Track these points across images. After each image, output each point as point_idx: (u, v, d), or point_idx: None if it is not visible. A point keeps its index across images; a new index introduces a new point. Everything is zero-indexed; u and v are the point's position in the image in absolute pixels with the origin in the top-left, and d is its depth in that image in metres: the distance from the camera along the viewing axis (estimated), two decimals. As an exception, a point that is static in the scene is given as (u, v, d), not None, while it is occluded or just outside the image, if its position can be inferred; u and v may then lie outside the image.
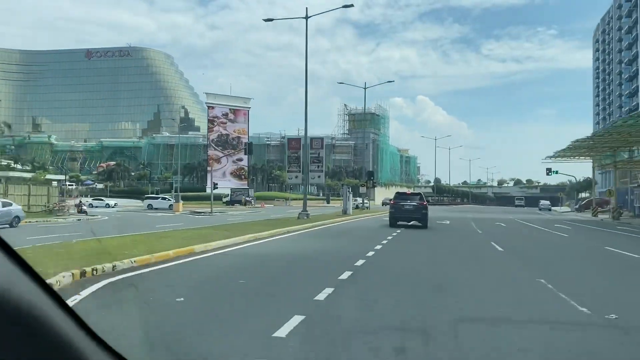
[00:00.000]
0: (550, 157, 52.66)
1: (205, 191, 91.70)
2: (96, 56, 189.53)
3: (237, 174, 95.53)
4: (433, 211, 45.75)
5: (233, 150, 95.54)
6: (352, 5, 29.25)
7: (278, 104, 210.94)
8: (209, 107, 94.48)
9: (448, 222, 30.35)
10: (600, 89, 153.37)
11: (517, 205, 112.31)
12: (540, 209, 71.69)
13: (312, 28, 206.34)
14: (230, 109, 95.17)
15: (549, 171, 75.49)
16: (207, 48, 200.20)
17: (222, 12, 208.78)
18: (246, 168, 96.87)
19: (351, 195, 33.91)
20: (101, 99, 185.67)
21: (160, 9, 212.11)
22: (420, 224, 24.22)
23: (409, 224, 24.97)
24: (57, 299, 1.09)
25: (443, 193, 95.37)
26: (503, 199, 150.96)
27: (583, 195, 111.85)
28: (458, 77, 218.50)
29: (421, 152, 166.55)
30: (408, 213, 24.04)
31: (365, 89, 44.68)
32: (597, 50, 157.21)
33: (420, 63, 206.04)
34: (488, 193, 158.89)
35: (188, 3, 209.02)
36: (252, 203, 67.21)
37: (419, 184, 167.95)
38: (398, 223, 24.62)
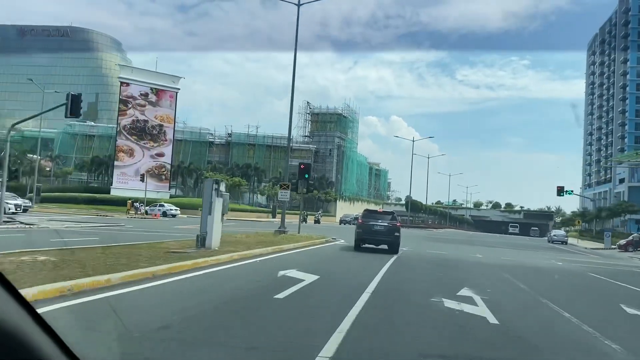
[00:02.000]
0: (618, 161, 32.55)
1: (109, 192, 69.36)
2: (30, 35, 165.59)
3: (155, 173, 73.45)
4: (413, 242, 25.19)
5: (152, 142, 73.50)
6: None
7: (253, 115, 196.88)
8: (122, 83, 72.56)
9: (479, 301, 9.08)
10: (595, 106, 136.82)
11: (510, 233, 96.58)
12: (552, 241, 52.13)
13: (290, 41, 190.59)
14: (151, 89, 73.31)
15: (560, 191, 56.73)
16: (185, 54, 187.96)
17: (202, 20, 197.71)
18: (168, 166, 74.88)
19: (220, 201, 12.74)
20: (32, 83, 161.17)
21: (139, 12, 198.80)
22: (389, 249, 19.53)
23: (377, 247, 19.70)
24: (27, 306, 1.15)
25: (418, 212, 75.67)
26: (482, 223, 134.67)
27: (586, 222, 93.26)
28: (432, 100, 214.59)
29: (393, 170, 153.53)
30: (378, 235, 19.59)
31: (299, 5, 24.40)
32: (594, 63, 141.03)
33: (396, 84, 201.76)
34: (465, 215, 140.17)
35: (168, 8, 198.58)
36: (141, 211, 45.70)
37: (389, 201, 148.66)
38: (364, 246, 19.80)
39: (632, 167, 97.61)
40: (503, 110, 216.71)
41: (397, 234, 19.56)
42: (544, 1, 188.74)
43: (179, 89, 76.02)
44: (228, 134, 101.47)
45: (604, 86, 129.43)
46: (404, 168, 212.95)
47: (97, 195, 64.28)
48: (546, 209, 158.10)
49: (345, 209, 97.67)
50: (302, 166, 25.30)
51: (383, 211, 22.11)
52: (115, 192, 68.30)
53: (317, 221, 60.69)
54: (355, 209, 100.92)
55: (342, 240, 25.02)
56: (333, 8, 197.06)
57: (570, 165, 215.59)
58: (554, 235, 52.15)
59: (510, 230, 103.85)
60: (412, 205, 66.77)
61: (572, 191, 59.79)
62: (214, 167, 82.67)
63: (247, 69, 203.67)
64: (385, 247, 19.55)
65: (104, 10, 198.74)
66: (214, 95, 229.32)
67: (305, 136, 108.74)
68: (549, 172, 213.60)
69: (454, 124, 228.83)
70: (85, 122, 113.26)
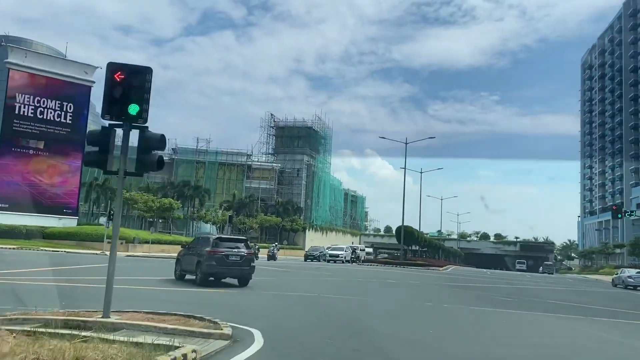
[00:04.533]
0: None
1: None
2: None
3: (57, 194, 54.12)
4: (460, 316, 7.09)
5: (51, 152, 54.56)
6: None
7: (228, 147, 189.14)
8: (10, 69, 53.74)
9: None
10: (595, 125, 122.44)
11: (518, 270, 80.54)
12: (625, 285, 34.85)
13: (265, 76, 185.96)
14: (58, 79, 54.75)
15: (617, 212, 40.19)
16: (159, 87, 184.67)
17: (176, 54, 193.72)
18: (76, 183, 55.76)
19: None
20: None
21: (112, 46, 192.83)
22: (239, 282, 17.24)
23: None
24: None
25: (412, 244, 57.55)
26: (473, 256, 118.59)
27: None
28: (405, 134, 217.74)
29: (368, 202, 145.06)
30: (234, 266, 16.93)
31: None
32: (591, 78, 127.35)
33: (369, 118, 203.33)
34: (455, 247, 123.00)
35: (141, 42, 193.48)
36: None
37: (367, 232, 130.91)
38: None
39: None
40: (474, 144, 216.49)
41: (253, 264, 17.51)
42: (511, 39, 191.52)
43: (93, 82, 57.38)
44: (172, 149, 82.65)
45: (606, 100, 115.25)
46: (380, 200, 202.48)
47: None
48: (533, 239, 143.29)
49: (316, 240, 79.36)
50: (118, 76, 7.06)
51: (236, 238, 19.65)
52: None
53: (271, 257, 42.25)
54: (329, 240, 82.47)
55: (257, 343, 6.51)
56: (307, 44, 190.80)
57: (547, 196, 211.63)
58: (629, 278, 34.45)
59: (518, 266, 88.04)
60: (407, 236, 48.49)
61: (632, 212, 42.98)
62: (147, 187, 63.60)
63: (222, 102, 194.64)
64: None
65: (76, 43, 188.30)
66: (188, 128, 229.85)
67: (269, 154, 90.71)
68: (526, 204, 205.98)
69: (427, 157, 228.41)
70: None
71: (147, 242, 47.45)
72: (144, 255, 36.95)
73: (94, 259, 28.91)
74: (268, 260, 41.51)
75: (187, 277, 17.83)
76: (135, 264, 27.02)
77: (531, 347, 8.79)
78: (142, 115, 7.42)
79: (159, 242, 50.23)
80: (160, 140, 7.66)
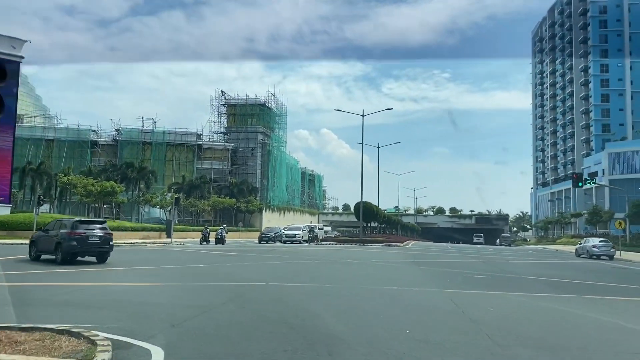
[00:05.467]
0: None
1: None
2: None
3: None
4: None
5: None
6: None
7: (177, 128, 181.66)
8: None
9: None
10: (546, 96, 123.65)
11: (475, 242, 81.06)
12: (590, 255, 34.07)
13: (217, 56, 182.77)
14: (-24, 54, 49.40)
15: (578, 180, 39.42)
16: (107, 69, 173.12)
17: (124, 35, 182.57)
18: (7, 168, 51.22)
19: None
20: None
21: (55, 27, 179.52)
22: (98, 259, 19.52)
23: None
24: None
25: (371, 220, 55.61)
26: (430, 231, 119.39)
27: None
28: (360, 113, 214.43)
29: (326, 181, 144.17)
30: (93, 245, 19.12)
31: None
32: (542, 50, 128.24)
33: (324, 97, 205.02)
34: (411, 222, 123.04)
35: (86, 23, 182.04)
36: None
37: (325, 211, 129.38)
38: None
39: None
40: (427, 121, 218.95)
41: (111, 244, 19.69)
42: (461, 17, 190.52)
43: (22, 57, 52.43)
44: (116, 130, 77.89)
45: (559, 72, 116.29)
46: (337, 179, 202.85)
47: None
48: (487, 212, 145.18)
49: (273, 221, 76.76)
50: None
51: (94, 220, 21.83)
52: None
53: (219, 239, 39.56)
54: (286, 221, 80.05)
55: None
56: (259, 23, 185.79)
57: (500, 170, 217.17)
58: (594, 247, 33.51)
59: (475, 239, 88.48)
60: (366, 212, 46.47)
61: (594, 181, 42.32)
62: (88, 170, 59.24)
63: (174, 84, 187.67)
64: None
65: (16, 24, 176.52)
66: (141, 111, 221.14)
67: (221, 132, 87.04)
68: (479, 178, 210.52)
69: (382, 135, 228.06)
70: None
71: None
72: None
73: (16, 250, 25.48)
74: (216, 243, 38.78)
75: (44, 257, 19.57)
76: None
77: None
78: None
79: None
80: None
